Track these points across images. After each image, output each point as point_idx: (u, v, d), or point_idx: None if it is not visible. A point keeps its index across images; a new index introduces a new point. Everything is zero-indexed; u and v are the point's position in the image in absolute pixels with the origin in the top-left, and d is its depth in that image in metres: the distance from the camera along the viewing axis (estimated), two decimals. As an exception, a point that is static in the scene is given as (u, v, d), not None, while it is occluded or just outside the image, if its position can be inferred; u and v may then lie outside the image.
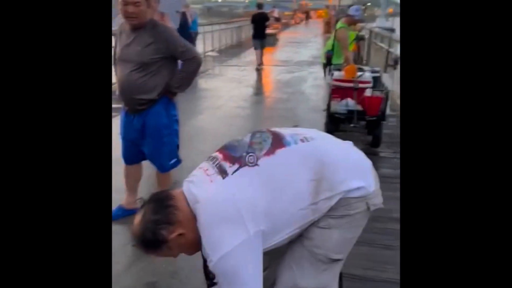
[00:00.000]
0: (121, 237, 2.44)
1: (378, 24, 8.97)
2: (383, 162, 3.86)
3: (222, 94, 6.68)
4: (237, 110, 5.77)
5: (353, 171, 1.27)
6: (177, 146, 2.64)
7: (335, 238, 1.26)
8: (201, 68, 7.95)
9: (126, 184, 2.71)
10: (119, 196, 2.73)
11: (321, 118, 4.58)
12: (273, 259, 1.35)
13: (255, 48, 9.33)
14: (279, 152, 1.20)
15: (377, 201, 1.31)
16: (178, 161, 2.62)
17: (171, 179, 2.66)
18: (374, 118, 3.97)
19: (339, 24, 4.91)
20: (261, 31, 9.08)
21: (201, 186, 1.19)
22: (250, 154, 1.20)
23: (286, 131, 1.29)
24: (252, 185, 1.15)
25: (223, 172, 1.18)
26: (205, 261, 1.34)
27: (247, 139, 1.26)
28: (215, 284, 1.33)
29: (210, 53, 11.44)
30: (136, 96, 2.35)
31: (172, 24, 4.50)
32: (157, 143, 2.46)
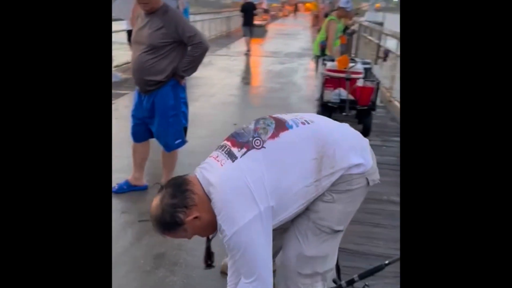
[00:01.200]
0: (130, 215, 2.57)
1: (367, 18, 9.16)
2: (374, 149, 4.02)
3: (215, 83, 6.77)
4: (230, 97, 5.88)
5: (352, 149, 1.39)
6: (185, 128, 2.76)
7: (338, 211, 1.40)
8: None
9: (134, 161, 2.83)
10: (122, 175, 2.86)
11: (313, 107, 4.75)
12: (277, 233, 1.47)
13: (244, 35, 10.22)
14: (283, 134, 1.31)
15: (375, 177, 1.45)
16: (183, 142, 2.74)
17: (175, 160, 2.78)
18: (365, 108, 4.14)
19: (329, 17, 5.08)
20: (249, 20, 9.98)
21: (212, 170, 1.28)
22: (256, 138, 1.29)
23: (287, 116, 1.41)
24: (260, 166, 1.25)
25: (232, 157, 1.27)
26: (208, 241, 1.47)
27: (251, 126, 1.36)
28: (213, 266, 1.50)
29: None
30: (146, 77, 2.47)
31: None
32: (163, 123, 2.58)
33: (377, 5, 11.80)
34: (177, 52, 2.47)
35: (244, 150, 1.28)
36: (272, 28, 19.15)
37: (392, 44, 5.89)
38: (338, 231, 1.44)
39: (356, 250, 2.35)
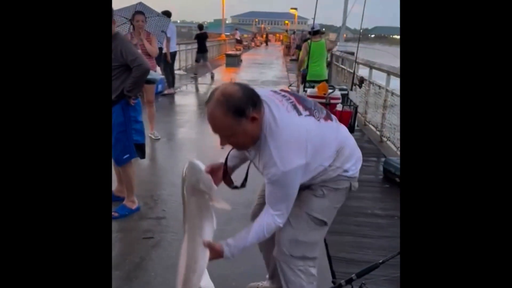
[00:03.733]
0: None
1: (338, 48, 9.73)
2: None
3: (197, 110, 6.98)
4: (215, 124, 6.08)
5: (354, 156, 1.68)
6: (142, 145, 3.02)
7: (326, 205, 1.68)
8: (175, 85, 8.10)
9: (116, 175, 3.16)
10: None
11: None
12: None
13: (197, 61, 11.66)
14: (329, 122, 1.59)
15: (356, 184, 1.73)
16: (131, 156, 2.94)
17: (131, 176, 2.99)
18: (344, 130, 4.46)
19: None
20: (203, 47, 11.44)
21: (279, 110, 1.45)
22: (315, 111, 1.54)
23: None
24: (314, 132, 1.48)
25: (297, 111, 1.48)
26: (226, 166, 1.65)
27: (310, 99, 1.63)
28: (237, 187, 1.63)
29: (177, 72, 11.72)
30: None
31: (158, 42, 4.78)
32: (112, 138, 2.79)
33: (344, 35, 12.54)
34: (126, 75, 2.74)
35: (307, 113, 1.50)
36: (246, 58, 19.71)
37: (365, 72, 6.34)
38: (325, 223, 1.70)
39: (349, 258, 2.57)
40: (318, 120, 1.53)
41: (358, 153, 1.70)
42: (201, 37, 11.34)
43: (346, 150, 1.61)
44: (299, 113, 1.49)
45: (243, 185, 1.64)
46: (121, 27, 4.56)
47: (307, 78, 5.26)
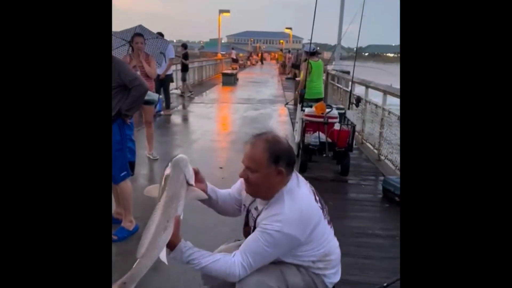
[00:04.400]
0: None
1: (334, 67, 9.84)
2: (353, 188, 4.35)
3: (195, 129, 7.00)
4: (213, 143, 6.10)
5: (337, 266, 1.71)
6: (132, 163, 3.05)
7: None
8: (171, 105, 8.15)
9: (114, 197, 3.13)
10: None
11: (294, 151, 5.04)
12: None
13: (183, 79, 11.90)
14: (331, 227, 1.67)
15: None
16: (128, 174, 2.97)
17: (128, 195, 2.99)
18: (342, 149, 4.47)
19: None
20: (185, 66, 11.64)
21: (305, 188, 1.60)
22: (325, 211, 1.63)
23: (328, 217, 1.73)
24: (321, 225, 1.57)
25: (315, 199, 1.59)
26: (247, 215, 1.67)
27: (321, 200, 1.66)
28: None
29: (175, 91, 11.78)
30: None
31: (156, 64, 4.82)
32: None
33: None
34: (122, 94, 2.79)
35: (320, 205, 1.60)
36: (242, 76, 19.88)
37: (360, 90, 6.41)
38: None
39: (352, 280, 2.53)
40: (325, 219, 1.61)
41: (339, 267, 1.74)
42: (185, 55, 11.78)
43: (332, 257, 1.65)
44: (317, 202, 1.59)
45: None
46: (120, 49, 4.60)
47: (306, 97, 5.30)
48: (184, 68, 11.72)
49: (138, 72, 4.38)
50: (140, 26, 4.73)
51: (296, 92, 5.74)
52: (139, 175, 4.40)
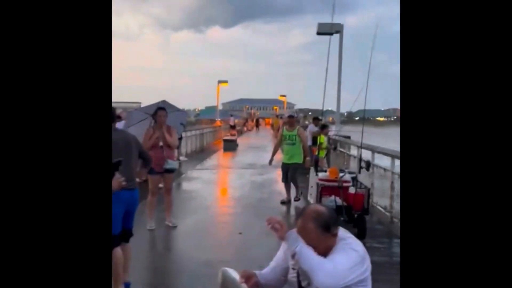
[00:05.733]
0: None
1: (334, 132, 10.24)
2: (373, 251, 4.40)
3: (206, 195, 7.11)
4: (226, 209, 6.19)
5: None
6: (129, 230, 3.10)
7: None
8: (179, 172, 8.26)
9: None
10: None
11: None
12: None
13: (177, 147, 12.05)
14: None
15: None
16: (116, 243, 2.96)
17: (116, 259, 2.91)
18: (359, 213, 4.60)
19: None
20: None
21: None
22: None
23: None
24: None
25: None
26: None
27: None
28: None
29: (181, 158, 12.05)
30: None
31: (177, 134, 5.10)
32: None
33: (330, 118, 13.27)
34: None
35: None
36: (240, 142, 20.31)
37: (367, 154, 6.68)
38: None
39: None
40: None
41: None
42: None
43: None
44: None
45: None
46: (142, 122, 4.88)
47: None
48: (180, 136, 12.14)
49: (161, 143, 4.63)
50: (163, 101, 5.07)
51: (308, 158, 6.01)
52: (157, 243, 4.44)
